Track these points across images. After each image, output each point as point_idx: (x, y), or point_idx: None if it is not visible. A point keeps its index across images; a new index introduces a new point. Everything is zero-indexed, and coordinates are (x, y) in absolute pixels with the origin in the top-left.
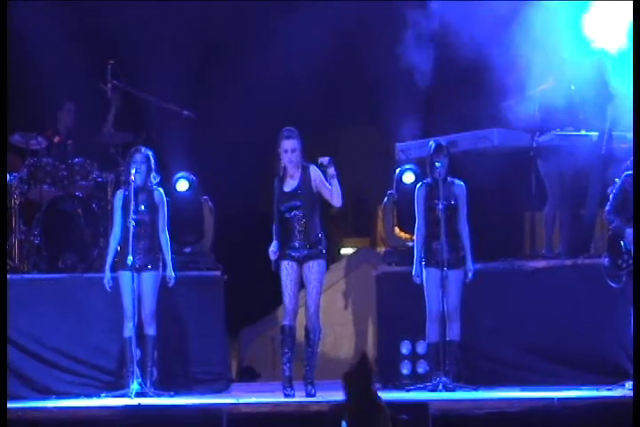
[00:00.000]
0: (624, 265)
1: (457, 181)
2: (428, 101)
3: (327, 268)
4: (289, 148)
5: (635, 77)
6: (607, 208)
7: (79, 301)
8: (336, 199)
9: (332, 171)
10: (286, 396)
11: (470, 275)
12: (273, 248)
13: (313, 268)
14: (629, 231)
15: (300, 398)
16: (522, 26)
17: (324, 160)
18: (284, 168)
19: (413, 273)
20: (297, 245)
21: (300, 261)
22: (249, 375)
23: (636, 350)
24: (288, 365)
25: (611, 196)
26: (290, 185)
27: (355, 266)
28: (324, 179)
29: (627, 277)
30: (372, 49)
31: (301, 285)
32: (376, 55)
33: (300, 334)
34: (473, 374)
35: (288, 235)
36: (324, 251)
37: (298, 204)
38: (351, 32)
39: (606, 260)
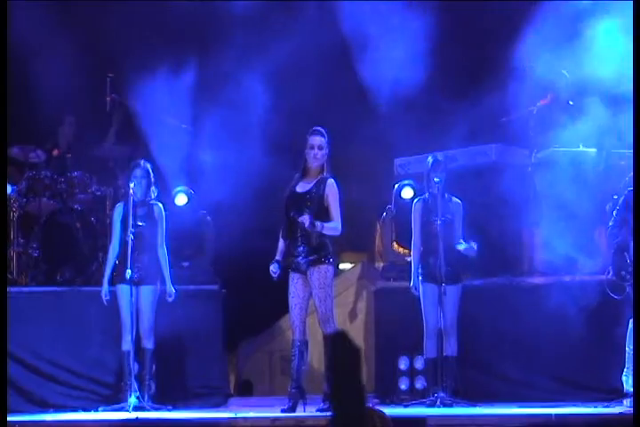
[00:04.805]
0: (628, 276)
1: (454, 198)
2: (427, 116)
3: (335, 274)
4: (315, 144)
5: (635, 78)
6: (610, 224)
7: (77, 314)
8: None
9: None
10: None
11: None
12: (273, 269)
13: (313, 275)
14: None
15: (295, 413)
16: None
17: (304, 220)
18: (305, 167)
19: (411, 284)
20: (300, 250)
21: (303, 271)
22: (247, 390)
23: (636, 363)
24: (295, 380)
25: (614, 212)
26: (303, 187)
27: (353, 281)
28: (336, 200)
29: (629, 289)
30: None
31: (308, 296)
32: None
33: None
34: (471, 390)
35: (293, 238)
36: (326, 257)
37: (305, 207)
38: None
39: (610, 272)
